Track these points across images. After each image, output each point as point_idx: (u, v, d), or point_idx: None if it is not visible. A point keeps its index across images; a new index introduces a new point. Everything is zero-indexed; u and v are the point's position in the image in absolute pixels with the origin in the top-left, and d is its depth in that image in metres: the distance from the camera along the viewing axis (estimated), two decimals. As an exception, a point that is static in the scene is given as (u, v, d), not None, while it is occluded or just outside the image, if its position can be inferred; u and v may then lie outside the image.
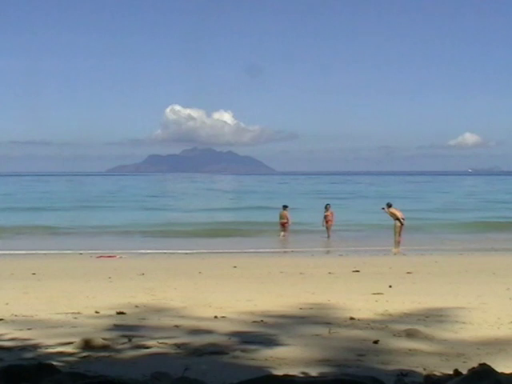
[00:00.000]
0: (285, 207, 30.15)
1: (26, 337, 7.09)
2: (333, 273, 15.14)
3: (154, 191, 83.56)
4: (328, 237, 28.71)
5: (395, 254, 23.16)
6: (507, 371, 4.67)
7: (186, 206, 53.25)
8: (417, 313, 8.93)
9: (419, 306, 9.58)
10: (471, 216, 40.54)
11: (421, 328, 7.53)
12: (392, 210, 26.39)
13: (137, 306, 9.60)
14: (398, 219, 25.79)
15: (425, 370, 5.57)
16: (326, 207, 29.85)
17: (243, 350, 6.36)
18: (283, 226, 29.58)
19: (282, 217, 29.75)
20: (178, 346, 6.59)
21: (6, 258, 20.47)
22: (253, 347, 6.51)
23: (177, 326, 7.82)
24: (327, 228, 29.22)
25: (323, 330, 7.54)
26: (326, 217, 29.48)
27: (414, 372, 5.46)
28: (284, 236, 29.08)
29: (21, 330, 7.55)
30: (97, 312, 9.00)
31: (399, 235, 25.71)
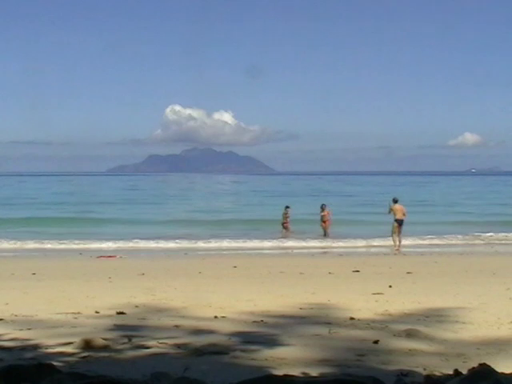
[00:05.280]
0: (287, 207, 30.37)
1: (26, 337, 7.09)
2: (333, 273, 15.14)
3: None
4: (325, 235, 28.88)
5: (395, 254, 23.14)
6: (507, 371, 4.67)
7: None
8: (417, 313, 8.93)
9: (419, 305, 9.58)
10: None
11: (421, 328, 7.53)
12: (396, 206, 25.67)
13: (137, 306, 9.60)
14: (396, 220, 25.40)
15: (425, 370, 5.57)
16: (322, 207, 30.01)
17: (243, 350, 6.36)
18: (284, 225, 29.83)
19: (284, 217, 30.02)
20: (178, 346, 6.59)
21: (6, 258, 20.48)
22: (253, 347, 6.51)
23: (177, 326, 7.83)
24: (324, 228, 29.40)
25: (323, 330, 7.54)
26: (322, 217, 29.64)
27: (414, 372, 5.46)
28: (285, 234, 29.24)
29: (21, 329, 7.56)
30: (97, 312, 9.00)
31: (398, 235, 25.50)
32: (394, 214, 25.34)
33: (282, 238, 28.69)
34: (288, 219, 30.14)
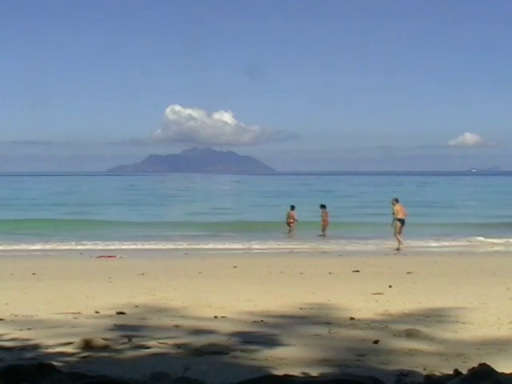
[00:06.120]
0: (292, 207, 30.42)
1: (26, 337, 7.09)
2: (333, 273, 15.13)
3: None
4: (324, 235, 28.99)
5: (395, 253, 23.11)
6: (507, 371, 4.67)
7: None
8: (417, 313, 8.93)
9: (419, 305, 9.58)
10: None
11: (421, 328, 7.53)
12: (398, 206, 25.74)
13: (137, 306, 9.60)
14: (398, 219, 25.43)
15: (425, 370, 5.57)
16: (321, 208, 30.10)
17: (243, 350, 6.36)
18: (289, 225, 29.87)
19: (288, 216, 30.07)
20: (178, 345, 6.59)
21: (6, 258, 20.47)
22: (253, 347, 6.51)
23: (177, 326, 7.82)
24: (323, 227, 29.50)
25: (323, 330, 7.54)
26: (322, 217, 29.78)
27: (414, 372, 5.46)
28: (290, 235, 29.30)
29: (21, 329, 7.55)
30: (97, 312, 9.00)
31: (399, 234, 25.51)
32: (397, 214, 25.42)
33: (287, 237, 28.77)
34: (293, 218, 30.11)
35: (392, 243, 25.04)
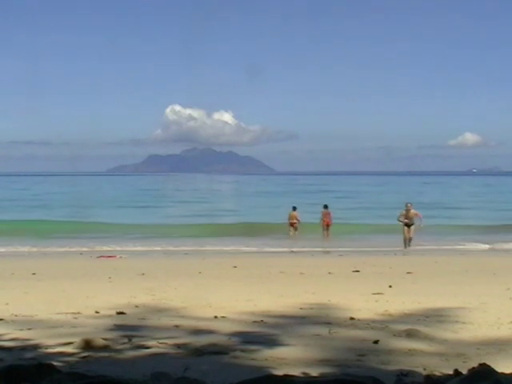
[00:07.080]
0: (294, 208, 30.47)
1: (26, 337, 7.08)
2: (333, 273, 15.13)
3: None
4: (327, 236, 29.00)
5: (395, 254, 23.10)
6: (507, 371, 4.67)
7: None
8: (417, 313, 8.93)
9: (419, 305, 9.58)
10: None
11: (421, 328, 7.53)
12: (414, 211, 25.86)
13: (137, 306, 9.60)
14: (412, 223, 25.42)
15: (425, 370, 5.57)
16: (324, 207, 30.13)
17: (243, 350, 6.36)
18: (292, 226, 29.89)
19: (291, 217, 30.09)
20: (178, 346, 6.58)
21: (6, 257, 20.47)
22: (253, 347, 6.50)
23: (177, 326, 7.82)
24: (325, 227, 29.50)
25: (323, 330, 7.53)
26: (323, 216, 29.85)
27: (414, 372, 5.45)
28: (293, 235, 29.34)
29: (21, 329, 7.55)
30: (97, 312, 9.00)
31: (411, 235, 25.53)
32: (411, 218, 25.44)
33: (290, 238, 28.80)
34: (296, 219, 30.10)
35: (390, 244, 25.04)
